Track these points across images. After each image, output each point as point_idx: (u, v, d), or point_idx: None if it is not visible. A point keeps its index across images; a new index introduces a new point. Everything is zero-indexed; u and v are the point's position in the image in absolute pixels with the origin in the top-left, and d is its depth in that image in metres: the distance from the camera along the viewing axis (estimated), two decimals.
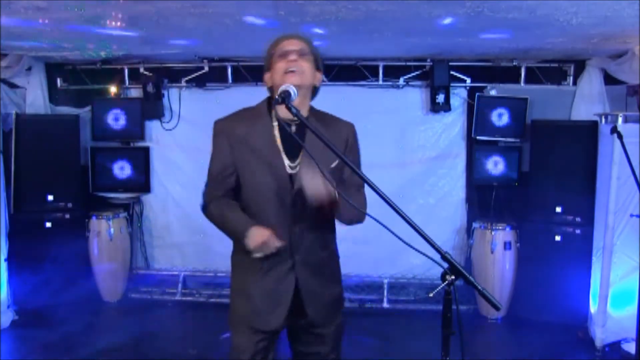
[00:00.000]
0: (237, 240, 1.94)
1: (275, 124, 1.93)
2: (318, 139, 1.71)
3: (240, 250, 1.96)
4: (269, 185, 1.90)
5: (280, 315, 1.95)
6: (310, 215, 1.89)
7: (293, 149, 1.92)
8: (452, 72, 4.79)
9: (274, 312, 1.95)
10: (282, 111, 1.85)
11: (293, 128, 1.91)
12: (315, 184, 1.77)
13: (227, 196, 1.97)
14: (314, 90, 2.00)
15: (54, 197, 4.70)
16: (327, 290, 2.03)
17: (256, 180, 1.93)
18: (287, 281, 1.94)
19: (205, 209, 2.00)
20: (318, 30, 3.49)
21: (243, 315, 2.00)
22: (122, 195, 5.19)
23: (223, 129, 1.98)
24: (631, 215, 3.74)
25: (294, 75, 1.85)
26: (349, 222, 1.97)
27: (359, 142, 2.08)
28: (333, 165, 1.89)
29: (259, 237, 1.80)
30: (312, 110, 2.02)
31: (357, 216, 1.92)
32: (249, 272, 1.97)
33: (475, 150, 4.86)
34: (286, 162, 1.91)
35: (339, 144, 1.83)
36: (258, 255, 1.83)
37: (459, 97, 4.97)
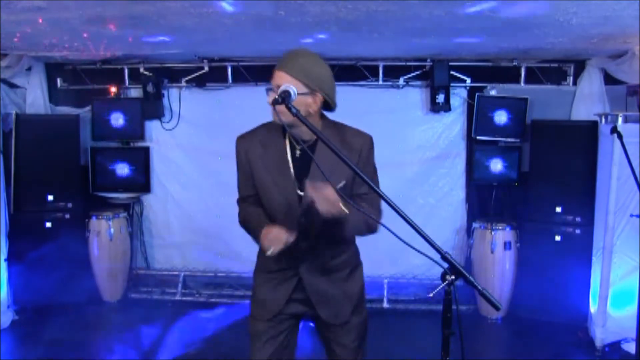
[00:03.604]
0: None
1: (288, 145, 2.00)
2: (327, 155, 1.79)
3: (260, 254, 2.17)
4: (280, 204, 2.00)
5: (278, 304, 2.10)
6: (317, 233, 1.98)
7: (303, 170, 1.98)
8: (452, 72, 4.79)
9: (274, 303, 2.11)
10: (296, 130, 1.92)
11: (297, 152, 1.99)
12: (324, 196, 1.80)
13: (255, 204, 2.10)
14: (326, 104, 1.99)
15: (54, 197, 4.69)
16: (341, 291, 2.13)
17: (269, 197, 2.04)
18: (289, 282, 2.09)
19: (240, 220, 2.14)
20: (320, 35, 3.49)
21: (252, 304, 2.20)
22: (122, 195, 5.18)
23: (243, 146, 2.06)
24: (631, 215, 3.74)
25: (276, 115, 1.88)
26: (358, 234, 2.11)
27: (374, 154, 2.07)
28: (340, 184, 1.88)
29: (266, 235, 1.90)
30: (325, 122, 2.04)
31: (367, 229, 2.03)
32: (261, 273, 2.17)
33: (475, 150, 4.86)
34: (296, 184, 1.99)
35: (350, 157, 1.80)
36: (270, 252, 1.88)
37: (459, 97, 4.97)
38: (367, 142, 2.04)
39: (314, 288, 2.08)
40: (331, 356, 2.25)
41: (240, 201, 2.15)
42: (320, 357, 2.49)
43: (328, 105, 2.00)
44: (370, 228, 2.01)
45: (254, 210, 2.08)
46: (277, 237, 1.87)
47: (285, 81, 1.87)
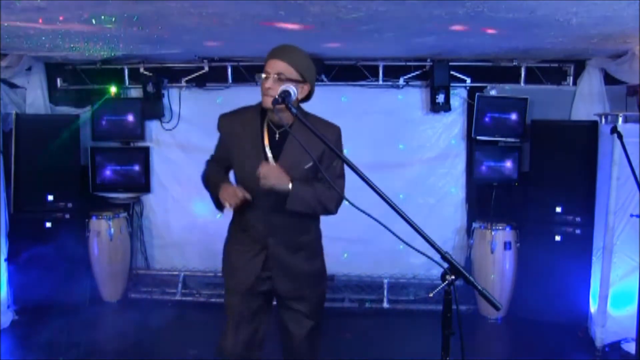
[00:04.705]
0: (218, 204, 2.27)
1: (266, 127, 2.20)
2: (300, 139, 1.99)
3: (232, 227, 2.39)
4: (252, 178, 2.11)
5: (250, 278, 2.27)
6: (284, 206, 2.13)
7: (275, 150, 2.18)
8: (452, 72, 4.79)
9: (246, 277, 2.28)
10: (280, 115, 2.09)
11: (277, 135, 2.17)
12: (269, 174, 2.06)
13: (222, 166, 2.36)
14: (305, 96, 2.17)
15: (54, 197, 4.69)
16: (302, 268, 2.29)
17: (242, 171, 2.25)
18: (259, 257, 2.26)
19: (202, 175, 2.39)
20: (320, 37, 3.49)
21: (226, 277, 2.38)
22: (122, 195, 5.18)
23: (224, 122, 2.31)
24: (631, 215, 3.74)
25: (268, 99, 2.06)
26: (311, 211, 2.21)
27: (342, 144, 2.27)
28: (308, 166, 2.14)
29: (224, 191, 2.14)
30: (300, 112, 2.16)
31: (322, 209, 2.20)
32: (233, 246, 2.37)
33: (475, 150, 4.86)
34: (271, 161, 2.18)
35: (319, 144, 1.99)
36: (228, 207, 2.13)
37: (459, 97, 4.97)
38: (336, 132, 2.24)
39: (278, 262, 2.25)
40: (285, 339, 2.40)
41: (209, 161, 2.41)
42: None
43: (306, 96, 2.19)
44: (327, 209, 2.21)
45: (219, 170, 2.34)
46: (234, 194, 2.10)
47: (281, 68, 2.04)
